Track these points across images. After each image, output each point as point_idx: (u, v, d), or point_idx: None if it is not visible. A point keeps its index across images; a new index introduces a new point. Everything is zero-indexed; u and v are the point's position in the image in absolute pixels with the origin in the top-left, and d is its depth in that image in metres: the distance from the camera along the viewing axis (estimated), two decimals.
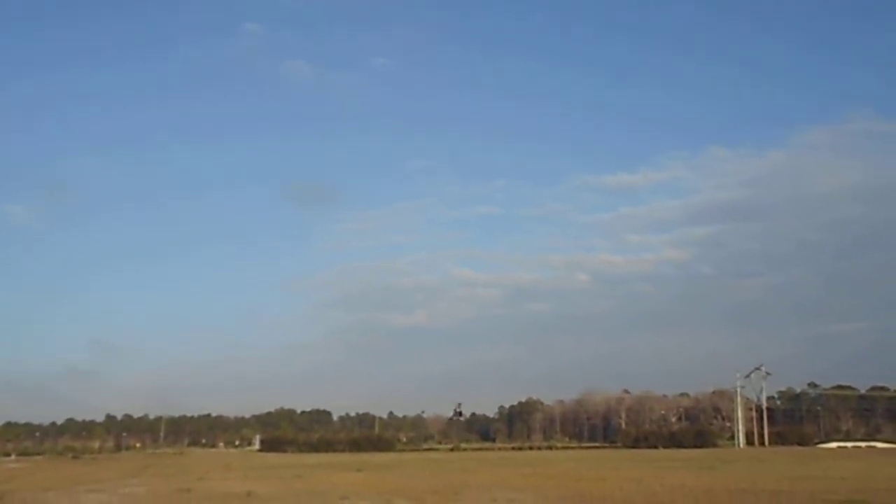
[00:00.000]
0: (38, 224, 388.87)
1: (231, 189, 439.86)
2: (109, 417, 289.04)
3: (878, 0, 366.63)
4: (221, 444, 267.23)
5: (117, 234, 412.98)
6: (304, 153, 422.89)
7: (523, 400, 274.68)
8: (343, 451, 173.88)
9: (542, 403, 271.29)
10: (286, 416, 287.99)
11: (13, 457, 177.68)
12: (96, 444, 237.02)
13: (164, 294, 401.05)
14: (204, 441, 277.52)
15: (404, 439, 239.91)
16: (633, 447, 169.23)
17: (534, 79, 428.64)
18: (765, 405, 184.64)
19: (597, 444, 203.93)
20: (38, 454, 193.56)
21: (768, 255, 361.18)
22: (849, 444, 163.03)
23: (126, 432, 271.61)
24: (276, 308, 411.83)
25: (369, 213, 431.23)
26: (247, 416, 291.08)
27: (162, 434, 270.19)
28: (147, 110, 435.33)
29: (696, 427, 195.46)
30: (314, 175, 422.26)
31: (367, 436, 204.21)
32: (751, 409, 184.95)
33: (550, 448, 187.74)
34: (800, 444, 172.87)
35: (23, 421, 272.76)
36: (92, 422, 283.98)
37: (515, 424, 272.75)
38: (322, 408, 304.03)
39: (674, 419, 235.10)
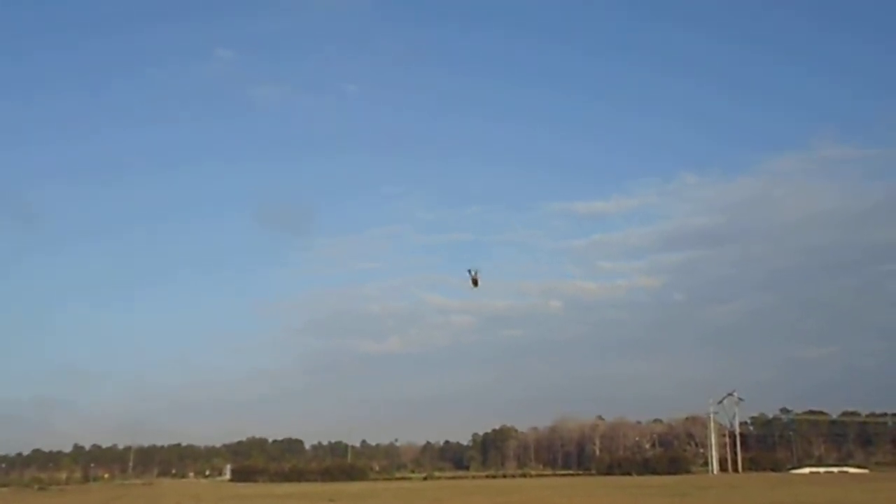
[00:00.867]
0: (5, 251, 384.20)
1: (202, 214, 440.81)
2: (77, 447, 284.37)
3: (849, 24, 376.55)
4: (192, 474, 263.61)
5: (86, 262, 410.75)
6: (276, 178, 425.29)
7: (497, 427, 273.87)
8: (315, 480, 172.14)
9: (516, 430, 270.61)
10: (258, 445, 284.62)
11: None
12: (63, 475, 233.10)
13: (133, 320, 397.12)
14: (174, 471, 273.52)
15: (377, 468, 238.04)
16: (607, 474, 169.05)
17: (505, 101, 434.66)
18: (738, 431, 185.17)
19: (571, 472, 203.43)
20: (4, 486, 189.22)
21: (740, 282, 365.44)
22: (821, 470, 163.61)
23: (94, 463, 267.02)
24: (246, 333, 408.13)
25: (340, 239, 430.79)
26: (217, 444, 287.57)
27: (131, 464, 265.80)
28: (119, 137, 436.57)
29: (669, 453, 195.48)
30: (286, 200, 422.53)
31: (340, 465, 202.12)
32: (724, 435, 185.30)
33: (524, 475, 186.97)
34: (773, 469, 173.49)
35: None
36: (59, 452, 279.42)
37: (489, 452, 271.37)
38: (294, 436, 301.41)
39: (648, 445, 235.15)
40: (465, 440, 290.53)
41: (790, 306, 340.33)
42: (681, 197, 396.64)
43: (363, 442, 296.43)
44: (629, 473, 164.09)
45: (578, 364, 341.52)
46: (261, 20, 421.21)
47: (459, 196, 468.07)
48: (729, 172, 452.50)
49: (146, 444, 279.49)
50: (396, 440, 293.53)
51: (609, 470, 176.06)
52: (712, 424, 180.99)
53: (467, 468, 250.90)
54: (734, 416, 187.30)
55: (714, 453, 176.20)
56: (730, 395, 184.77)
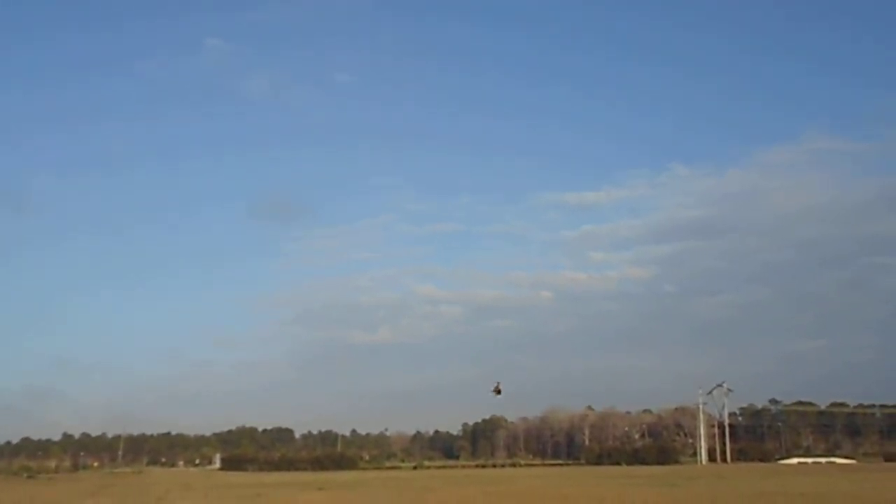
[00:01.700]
0: None
1: (193, 206, 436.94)
2: (66, 436, 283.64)
3: (840, 16, 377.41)
4: (181, 463, 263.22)
5: (77, 253, 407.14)
6: (268, 170, 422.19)
7: (487, 417, 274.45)
8: (305, 469, 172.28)
9: (505, 420, 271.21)
10: (247, 434, 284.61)
11: None
12: (53, 464, 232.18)
13: (124, 310, 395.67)
14: (164, 460, 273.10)
15: (367, 457, 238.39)
16: (597, 464, 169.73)
17: (496, 93, 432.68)
18: (727, 421, 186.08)
19: (560, 462, 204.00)
20: None
21: (731, 274, 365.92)
22: (809, 461, 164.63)
23: (84, 451, 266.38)
24: (237, 324, 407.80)
25: (332, 230, 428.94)
26: (207, 434, 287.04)
27: (121, 453, 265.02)
28: (111, 130, 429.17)
29: (658, 443, 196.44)
30: (277, 192, 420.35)
31: (330, 454, 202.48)
32: (713, 426, 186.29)
33: (514, 465, 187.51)
34: (761, 460, 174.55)
35: None
36: (48, 441, 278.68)
37: (479, 442, 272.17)
38: (284, 426, 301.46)
39: (637, 436, 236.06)
40: (455, 430, 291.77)
41: (781, 299, 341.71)
42: (672, 189, 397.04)
43: (353, 431, 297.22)
44: (618, 463, 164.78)
45: (568, 354, 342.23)
46: (252, 10, 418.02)
47: (450, 187, 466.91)
48: (720, 165, 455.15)
49: (136, 433, 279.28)
50: (386, 430, 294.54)
51: (598, 460, 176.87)
52: (701, 415, 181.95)
53: (457, 458, 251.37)
54: (723, 407, 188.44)
55: (703, 444, 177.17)
56: (719, 385, 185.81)
